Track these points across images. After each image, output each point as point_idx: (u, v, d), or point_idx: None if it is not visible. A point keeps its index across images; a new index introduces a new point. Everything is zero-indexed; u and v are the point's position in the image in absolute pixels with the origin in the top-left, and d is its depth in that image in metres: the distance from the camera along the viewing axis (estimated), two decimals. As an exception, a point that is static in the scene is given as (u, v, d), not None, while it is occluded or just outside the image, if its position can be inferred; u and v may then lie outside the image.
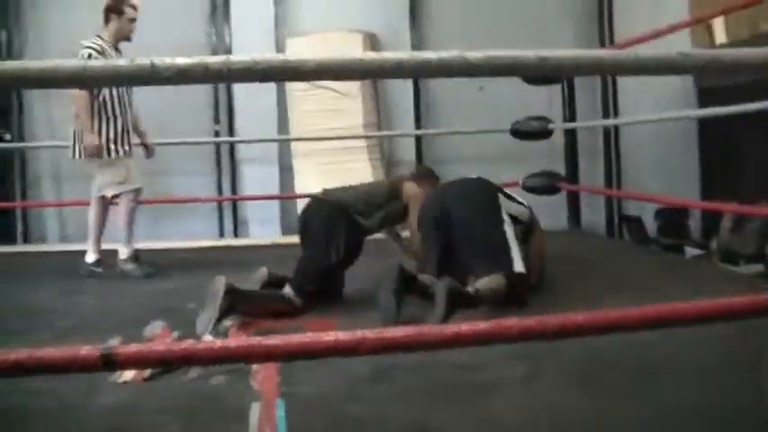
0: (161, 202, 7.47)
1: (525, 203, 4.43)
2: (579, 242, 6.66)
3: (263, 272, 4.22)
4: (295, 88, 7.55)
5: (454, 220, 4.08)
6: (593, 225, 7.63)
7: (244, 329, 3.73)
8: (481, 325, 1.44)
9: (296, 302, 4.06)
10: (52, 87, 1.46)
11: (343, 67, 1.42)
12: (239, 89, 7.61)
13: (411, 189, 4.57)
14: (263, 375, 2.87)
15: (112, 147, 5.39)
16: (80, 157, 5.42)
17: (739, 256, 6.00)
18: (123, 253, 5.54)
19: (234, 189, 7.86)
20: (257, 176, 7.81)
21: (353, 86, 7.53)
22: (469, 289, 3.71)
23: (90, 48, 5.28)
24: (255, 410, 2.52)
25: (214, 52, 7.68)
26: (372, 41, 7.70)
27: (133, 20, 5.49)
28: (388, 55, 1.48)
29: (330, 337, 1.38)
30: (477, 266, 3.88)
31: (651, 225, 7.51)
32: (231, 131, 7.81)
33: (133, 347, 1.33)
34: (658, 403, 2.51)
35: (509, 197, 4.36)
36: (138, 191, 5.63)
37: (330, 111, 7.51)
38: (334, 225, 4.28)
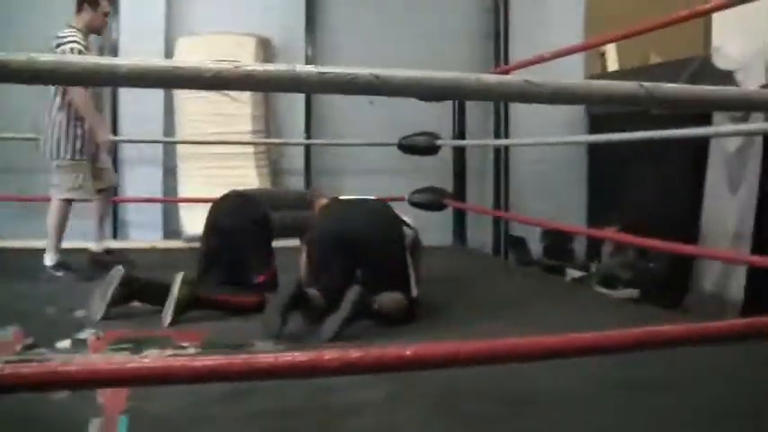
0: (27, 199, 7.08)
1: (412, 226, 4.38)
2: (464, 260, 6.67)
3: (118, 270, 4.05)
4: (183, 90, 7.33)
5: (358, 241, 4.03)
6: (479, 243, 7.65)
7: (105, 338, 3.58)
8: (300, 357, 1.33)
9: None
10: None
11: (157, 74, 1.29)
12: (125, 89, 7.33)
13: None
14: (112, 390, 2.70)
15: (78, 148, 5.25)
16: (52, 156, 5.26)
17: (617, 281, 6.09)
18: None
19: (114, 190, 7.56)
20: (139, 178, 7.53)
21: (244, 92, 7.36)
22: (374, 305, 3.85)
23: (76, 42, 5.10)
24: (95, 428, 2.36)
25: (100, 50, 7.39)
26: (266, 46, 7.56)
27: (107, 14, 5.38)
28: (209, 65, 1.36)
29: (136, 364, 1.24)
30: (378, 287, 3.91)
31: (537, 246, 7.58)
32: (115, 131, 7.51)
33: None
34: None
35: (402, 222, 4.34)
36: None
37: (218, 114, 7.31)
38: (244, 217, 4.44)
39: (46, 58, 1.34)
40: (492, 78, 1.64)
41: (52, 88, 5.21)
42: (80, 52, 5.09)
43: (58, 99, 5.22)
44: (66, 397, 2.65)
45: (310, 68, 1.44)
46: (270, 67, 1.42)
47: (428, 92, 1.61)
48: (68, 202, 5.33)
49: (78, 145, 5.26)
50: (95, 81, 1.35)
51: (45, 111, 5.31)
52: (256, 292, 4.21)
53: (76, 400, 2.62)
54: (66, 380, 1.29)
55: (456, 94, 1.57)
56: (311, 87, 1.45)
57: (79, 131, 5.26)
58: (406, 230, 4.29)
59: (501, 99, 1.65)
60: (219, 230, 4.45)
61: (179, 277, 4.02)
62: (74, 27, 5.23)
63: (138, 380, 1.25)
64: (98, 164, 5.52)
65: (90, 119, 5.24)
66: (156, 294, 4.03)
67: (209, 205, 4.72)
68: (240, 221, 4.44)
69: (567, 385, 2.87)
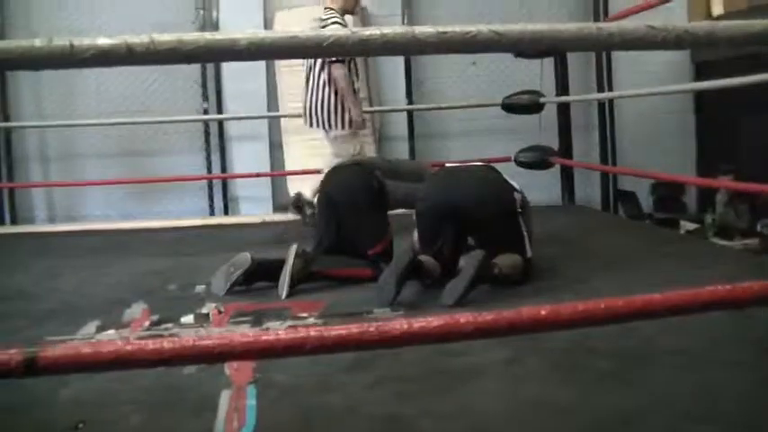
0: (150, 181, 7.39)
1: (518, 189, 4.33)
2: (574, 217, 6.59)
3: (245, 257, 4.14)
4: (284, 64, 7.42)
5: (468, 210, 3.99)
6: (588, 200, 7.54)
7: (226, 312, 3.68)
8: (435, 322, 1.34)
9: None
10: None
11: (278, 46, 1.31)
12: (227, 65, 7.48)
13: None
14: (239, 362, 2.78)
15: (348, 120, 5.55)
16: (320, 126, 5.63)
17: (734, 231, 5.92)
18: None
19: (223, 167, 7.75)
20: (247, 154, 7.71)
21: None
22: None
23: (338, 23, 5.39)
24: (225, 399, 2.44)
25: (201, 27, 7.55)
26: (362, 16, 7.57)
27: None
28: (326, 33, 1.37)
29: (270, 336, 1.28)
30: (493, 251, 3.89)
31: (646, 199, 7.43)
32: (220, 109, 7.69)
33: (61, 350, 1.23)
34: (645, 391, 2.42)
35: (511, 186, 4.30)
36: None
37: (320, 87, 7.37)
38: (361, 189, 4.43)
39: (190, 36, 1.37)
40: (613, 27, 1.59)
41: (309, 65, 5.59)
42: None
43: (324, 75, 5.50)
44: (194, 370, 2.75)
45: (429, 29, 1.43)
46: (387, 30, 1.41)
47: (550, 44, 1.58)
48: None
49: (348, 117, 5.53)
50: (215, 56, 1.37)
51: (305, 86, 5.65)
52: (371, 263, 4.23)
53: (205, 373, 2.72)
54: (202, 354, 1.33)
55: (578, 46, 1.51)
56: (431, 48, 1.44)
57: (347, 105, 5.52)
58: (515, 194, 4.25)
59: (624, 48, 1.59)
60: (334, 201, 4.45)
61: (293, 250, 4.08)
62: (330, 8, 5.52)
63: (275, 351, 1.28)
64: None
65: (348, 97, 5.47)
66: (275, 271, 4.11)
67: (316, 176, 4.76)
68: (355, 191, 4.45)
69: (684, 342, 2.82)
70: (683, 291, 1.50)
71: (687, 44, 1.62)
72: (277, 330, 1.28)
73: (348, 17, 5.66)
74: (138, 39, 1.28)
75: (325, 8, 5.54)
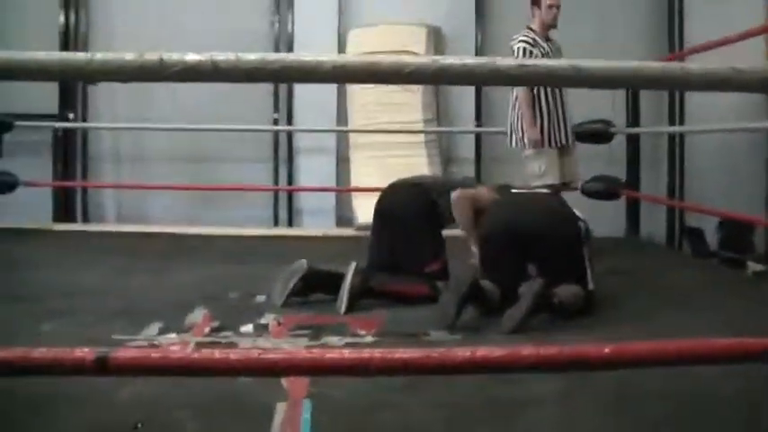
0: (217, 189, 7.50)
1: (582, 218, 4.31)
2: (637, 251, 6.53)
3: (301, 264, 4.19)
4: (356, 81, 7.49)
5: (532, 238, 3.98)
6: (653, 234, 7.44)
7: (285, 324, 3.73)
8: (497, 352, 1.36)
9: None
10: (55, 80, 1.43)
11: (360, 71, 1.35)
12: (300, 79, 7.56)
13: (485, 193, 4.58)
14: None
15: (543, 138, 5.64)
16: (517, 146, 5.75)
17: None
18: None
19: (290, 179, 7.84)
20: (314, 167, 7.78)
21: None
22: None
23: (523, 41, 5.54)
24: (281, 411, 2.48)
25: (276, 41, 7.68)
26: (436, 36, 7.61)
27: (551, 6, 5.66)
28: (408, 59, 1.40)
29: (335, 354, 1.30)
30: (555, 281, 3.87)
31: (713, 237, 7.30)
32: (290, 120, 7.78)
33: (131, 352, 1.28)
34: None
35: (576, 216, 4.28)
36: (556, 186, 5.64)
37: (389, 104, 7.42)
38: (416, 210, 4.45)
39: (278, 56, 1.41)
40: (695, 67, 1.59)
41: None
42: (524, 51, 5.49)
43: (512, 95, 5.70)
44: (251, 380, 2.79)
45: (510, 61, 1.45)
46: (469, 60, 1.44)
47: (630, 82, 1.59)
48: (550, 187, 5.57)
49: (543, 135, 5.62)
50: (299, 77, 1.41)
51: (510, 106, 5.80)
52: (427, 282, 4.25)
53: (262, 383, 2.75)
54: (262, 367, 1.36)
55: (660, 85, 1.52)
56: (511, 80, 1.46)
57: (544, 124, 5.62)
58: (579, 223, 4.23)
59: (706, 89, 1.58)
60: (389, 218, 4.47)
61: (352, 266, 4.12)
62: (529, 28, 5.65)
63: (339, 369, 1.31)
64: (565, 157, 5.81)
65: (525, 116, 5.59)
66: (333, 284, 4.15)
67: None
68: (410, 209, 4.45)
69: (741, 387, 2.77)
70: (746, 339, 1.49)
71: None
72: (341, 350, 1.30)
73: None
74: (224, 56, 1.33)
75: (526, 27, 5.66)
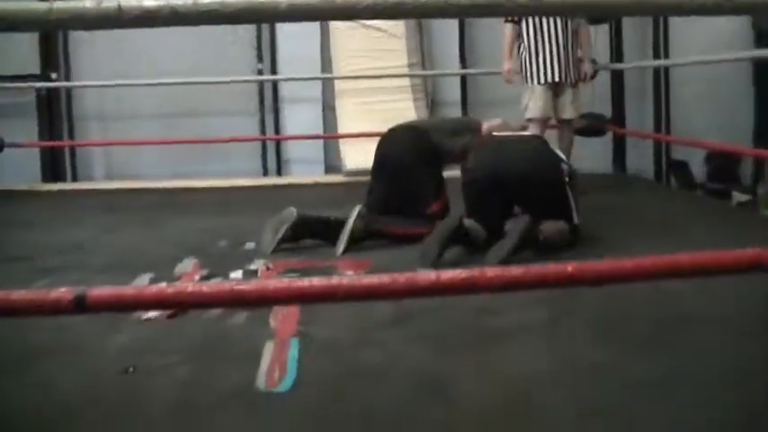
0: (204, 141, 7.51)
1: (565, 160, 4.34)
2: (625, 186, 6.57)
3: (291, 212, 4.23)
4: (338, 26, 7.46)
5: (515, 183, 4.01)
6: (640, 169, 7.47)
7: (275, 268, 3.77)
8: (492, 271, 1.40)
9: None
10: (16, 31, 1.45)
11: (317, 9, 1.36)
12: (282, 26, 7.54)
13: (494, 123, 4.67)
14: (283, 314, 2.87)
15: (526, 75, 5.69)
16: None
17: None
18: None
19: (277, 128, 7.85)
20: (300, 116, 7.78)
21: (398, 25, 7.44)
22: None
23: None
24: (268, 350, 2.53)
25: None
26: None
27: None
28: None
29: (303, 283, 1.34)
30: (540, 219, 3.93)
31: (699, 169, 7.34)
32: (274, 70, 7.76)
33: (106, 290, 1.31)
34: (682, 357, 2.44)
35: (559, 158, 4.31)
36: (535, 120, 5.68)
37: (374, 50, 7.42)
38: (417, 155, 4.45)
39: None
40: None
41: None
42: None
43: None
44: (242, 321, 2.84)
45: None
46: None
47: (615, 10, 1.58)
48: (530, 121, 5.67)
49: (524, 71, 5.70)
50: (257, 17, 1.43)
51: None
52: (429, 222, 4.25)
53: (251, 324, 2.81)
54: (241, 298, 1.40)
55: (653, 11, 1.53)
56: (473, 11, 1.47)
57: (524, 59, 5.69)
58: (562, 165, 4.25)
59: (691, 13, 1.58)
60: (391, 163, 4.49)
61: (356, 210, 4.17)
62: None
63: (308, 297, 1.35)
64: (559, 94, 5.78)
65: (504, 47, 5.77)
66: (323, 230, 4.20)
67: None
68: (411, 153, 4.46)
69: (721, 307, 2.84)
70: (711, 252, 1.53)
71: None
72: (310, 279, 1.34)
73: None
74: (181, 0, 1.35)
75: None
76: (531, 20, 5.54)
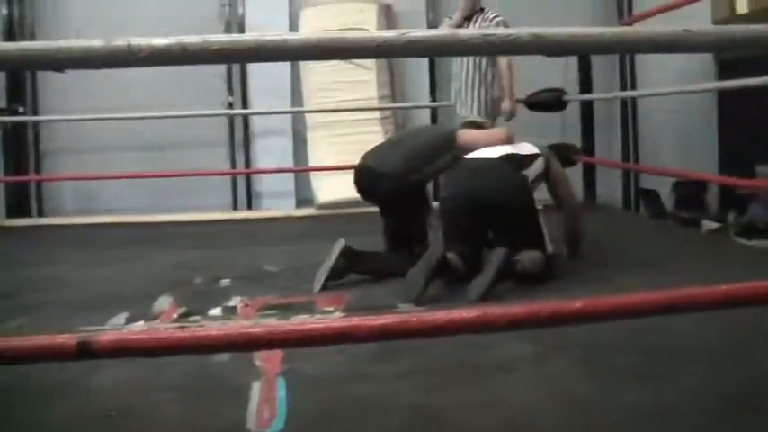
0: (174, 175, 7.44)
1: (537, 149, 4.32)
2: (595, 215, 6.59)
3: (340, 242, 4.16)
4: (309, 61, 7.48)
5: (487, 209, 4.00)
6: (609, 198, 7.55)
7: (253, 305, 3.74)
8: (471, 313, 1.40)
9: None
10: (27, 69, 1.44)
11: (328, 47, 1.36)
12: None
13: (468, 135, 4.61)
14: (267, 352, 2.84)
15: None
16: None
17: (757, 231, 5.91)
18: None
19: (247, 162, 7.82)
20: (271, 149, 7.76)
21: (369, 59, 7.47)
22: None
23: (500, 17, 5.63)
24: (256, 390, 2.50)
25: (227, 23, 7.63)
26: (387, 12, 7.61)
27: None
28: (375, 35, 1.42)
29: (315, 325, 1.33)
30: (515, 248, 3.94)
31: (668, 198, 7.42)
32: (245, 103, 7.75)
33: (112, 335, 1.29)
34: (670, 388, 2.45)
35: (524, 161, 4.22)
36: None
37: (344, 82, 7.44)
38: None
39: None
40: (650, 31, 1.63)
41: None
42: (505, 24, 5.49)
43: (480, 69, 5.78)
44: (226, 360, 2.81)
45: (475, 32, 1.48)
46: (433, 32, 1.46)
47: (591, 47, 1.63)
48: None
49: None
50: (268, 56, 1.42)
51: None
52: (413, 260, 4.18)
53: (235, 363, 2.78)
54: (225, 343, 1.38)
55: (617, 48, 1.57)
56: (475, 50, 1.49)
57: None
58: (536, 164, 4.24)
59: (661, 51, 1.63)
60: (379, 203, 4.44)
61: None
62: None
63: (325, 339, 1.34)
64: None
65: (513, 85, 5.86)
66: (370, 263, 4.23)
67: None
68: (392, 198, 4.34)
69: (707, 339, 2.86)
70: (704, 288, 1.54)
71: (726, 46, 1.65)
72: (325, 320, 1.32)
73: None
74: (192, 39, 1.34)
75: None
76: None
